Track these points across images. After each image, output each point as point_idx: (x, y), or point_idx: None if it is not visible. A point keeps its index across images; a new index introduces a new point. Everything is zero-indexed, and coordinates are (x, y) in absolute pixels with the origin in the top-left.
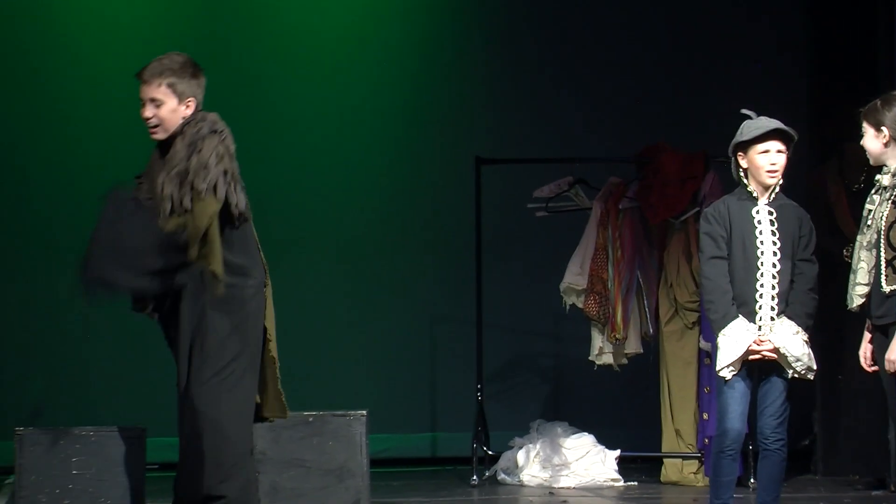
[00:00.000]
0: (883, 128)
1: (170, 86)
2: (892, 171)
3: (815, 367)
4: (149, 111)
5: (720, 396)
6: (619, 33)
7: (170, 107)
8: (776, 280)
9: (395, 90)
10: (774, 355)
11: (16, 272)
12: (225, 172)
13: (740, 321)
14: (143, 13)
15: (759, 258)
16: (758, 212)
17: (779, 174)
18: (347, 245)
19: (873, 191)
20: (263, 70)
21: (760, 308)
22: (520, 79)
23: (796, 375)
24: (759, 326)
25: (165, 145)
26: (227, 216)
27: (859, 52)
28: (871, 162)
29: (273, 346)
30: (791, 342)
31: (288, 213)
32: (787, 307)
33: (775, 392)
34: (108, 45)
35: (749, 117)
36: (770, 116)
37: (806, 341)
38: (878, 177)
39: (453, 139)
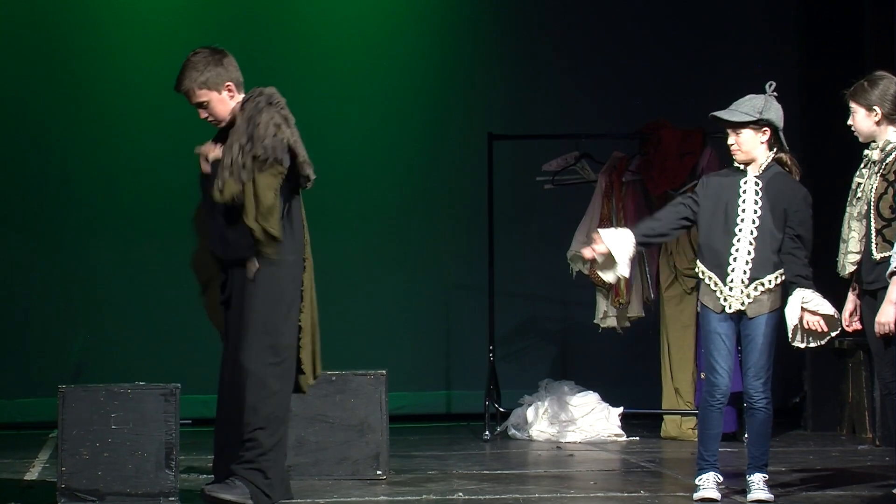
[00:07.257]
0: (875, 107)
1: (203, 85)
2: (880, 146)
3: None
4: (202, 114)
5: (706, 353)
6: (623, 19)
7: (214, 100)
8: (752, 246)
9: (417, 75)
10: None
11: (59, 249)
12: (282, 140)
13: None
14: (171, 21)
15: (737, 224)
16: (745, 182)
17: (741, 153)
18: (371, 216)
19: (862, 165)
20: (295, 66)
21: (733, 271)
22: (530, 62)
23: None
24: (731, 288)
25: (229, 125)
26: (292, 180)
27: (848, 33)
28: (861, 140)
29: (307, 316)
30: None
31: (317, 186)
32: (782, 274)
33: (755, 353)
34: (139, 44)
35: (720, 119)
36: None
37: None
38: (866, 152)
39: (468, 117)
